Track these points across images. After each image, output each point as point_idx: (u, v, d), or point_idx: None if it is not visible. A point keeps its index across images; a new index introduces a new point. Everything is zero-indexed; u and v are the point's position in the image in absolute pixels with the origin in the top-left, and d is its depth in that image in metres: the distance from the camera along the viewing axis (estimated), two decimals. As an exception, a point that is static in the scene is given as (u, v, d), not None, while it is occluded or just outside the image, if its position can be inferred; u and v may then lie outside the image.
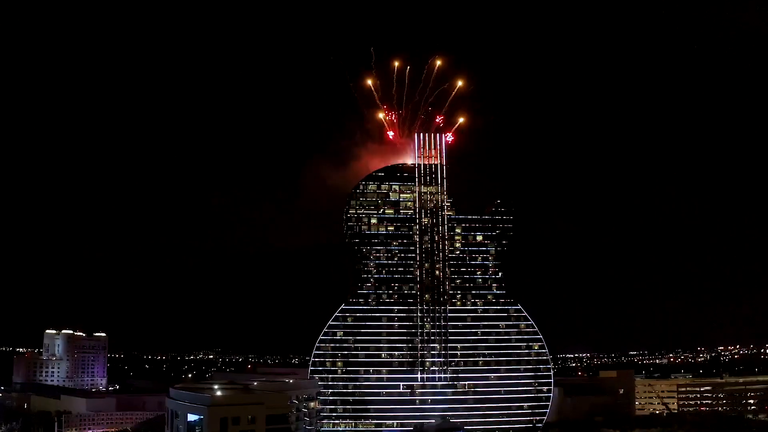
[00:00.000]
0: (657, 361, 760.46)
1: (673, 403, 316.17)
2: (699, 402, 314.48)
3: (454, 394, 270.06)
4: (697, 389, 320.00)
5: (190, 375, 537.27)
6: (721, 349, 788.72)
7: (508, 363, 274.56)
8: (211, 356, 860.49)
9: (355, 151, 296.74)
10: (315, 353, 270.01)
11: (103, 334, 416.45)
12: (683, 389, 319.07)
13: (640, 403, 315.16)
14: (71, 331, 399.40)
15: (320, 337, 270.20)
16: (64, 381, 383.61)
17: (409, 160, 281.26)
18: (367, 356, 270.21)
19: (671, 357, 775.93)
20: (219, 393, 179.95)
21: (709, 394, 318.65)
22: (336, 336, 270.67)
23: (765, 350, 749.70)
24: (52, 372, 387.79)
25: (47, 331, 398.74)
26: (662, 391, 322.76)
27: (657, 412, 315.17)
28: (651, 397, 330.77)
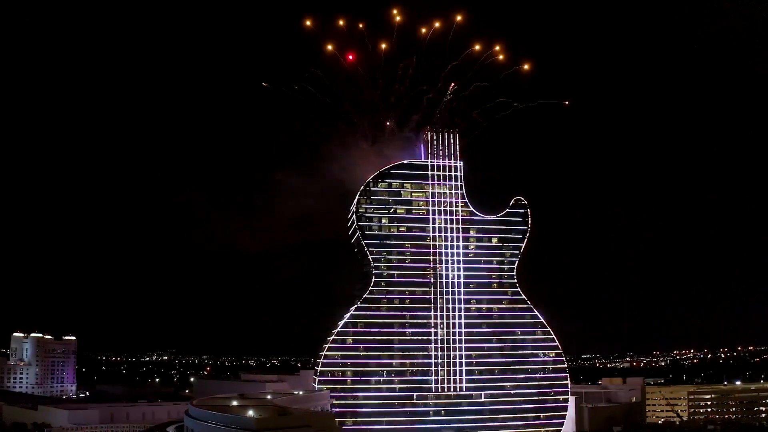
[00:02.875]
0: (617, 365, 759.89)
1: (683, 411, 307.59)
2: (709, 410, 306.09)
3: (469, 404, 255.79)
4: (707, 396, 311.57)
5: (157, 379, 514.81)
6: (676, 353, 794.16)
7: (524, 371, 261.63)
8: (166, 357, 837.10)
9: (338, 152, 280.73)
10: (323, 362, 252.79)
11: (73, 338, 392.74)
12: (692, 396, 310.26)
13: (648, 411, 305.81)
14: (40, 335, 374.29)
15: (329, 344, 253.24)
16: (33, 388, 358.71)
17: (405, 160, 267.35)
18: (378, 365, 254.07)
19: (632, 361, 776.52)
20: (251, 413, 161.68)
21: (717, 402, 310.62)
22: (345, 343, 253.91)
23: (720, 354, 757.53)
24: (20, 378, 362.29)
25: (14, 334, 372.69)
26: (667, 399, 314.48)
27: (661, 421, 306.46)
28: (654, 405, 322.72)
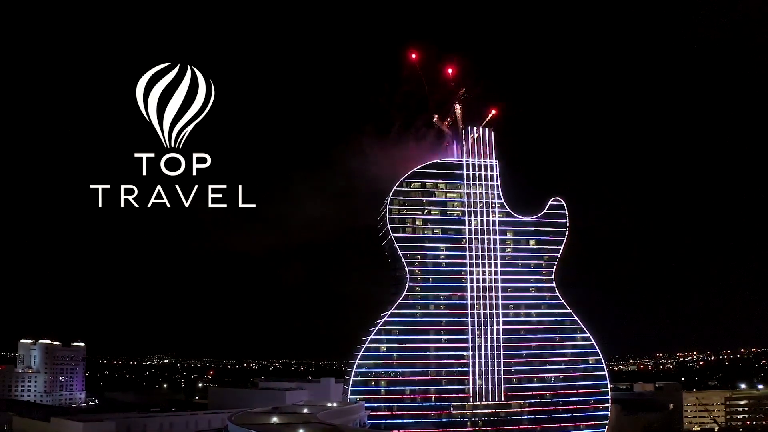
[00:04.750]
0: (622, 368, 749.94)
1: (719, 417, 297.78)
2: (746, 416, 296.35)
3: (507, 414, 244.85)
4: (742, 402, 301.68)
5: (165, 385, 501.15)
6: (680, 355, 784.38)
7: (564, 379, 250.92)
8: (167, 360, 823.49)
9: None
10: (356, 371, 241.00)
11: (82, 344, 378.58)
12: (729, 402, 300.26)
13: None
14: (48, 341, 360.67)
15: (361, 352, 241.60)
16: (41, 396, 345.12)
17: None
18: (412, 373, 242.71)
19: (638, 364, 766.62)
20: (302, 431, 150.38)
21: (754, 407, 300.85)
22: (378, 351, 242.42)
23: (723, 356, 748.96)
24: (28, 386, 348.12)
25: (22, 340, 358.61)
26: (704, 404, 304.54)
27: (696, 427, 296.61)
28: (686, 410, 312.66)
